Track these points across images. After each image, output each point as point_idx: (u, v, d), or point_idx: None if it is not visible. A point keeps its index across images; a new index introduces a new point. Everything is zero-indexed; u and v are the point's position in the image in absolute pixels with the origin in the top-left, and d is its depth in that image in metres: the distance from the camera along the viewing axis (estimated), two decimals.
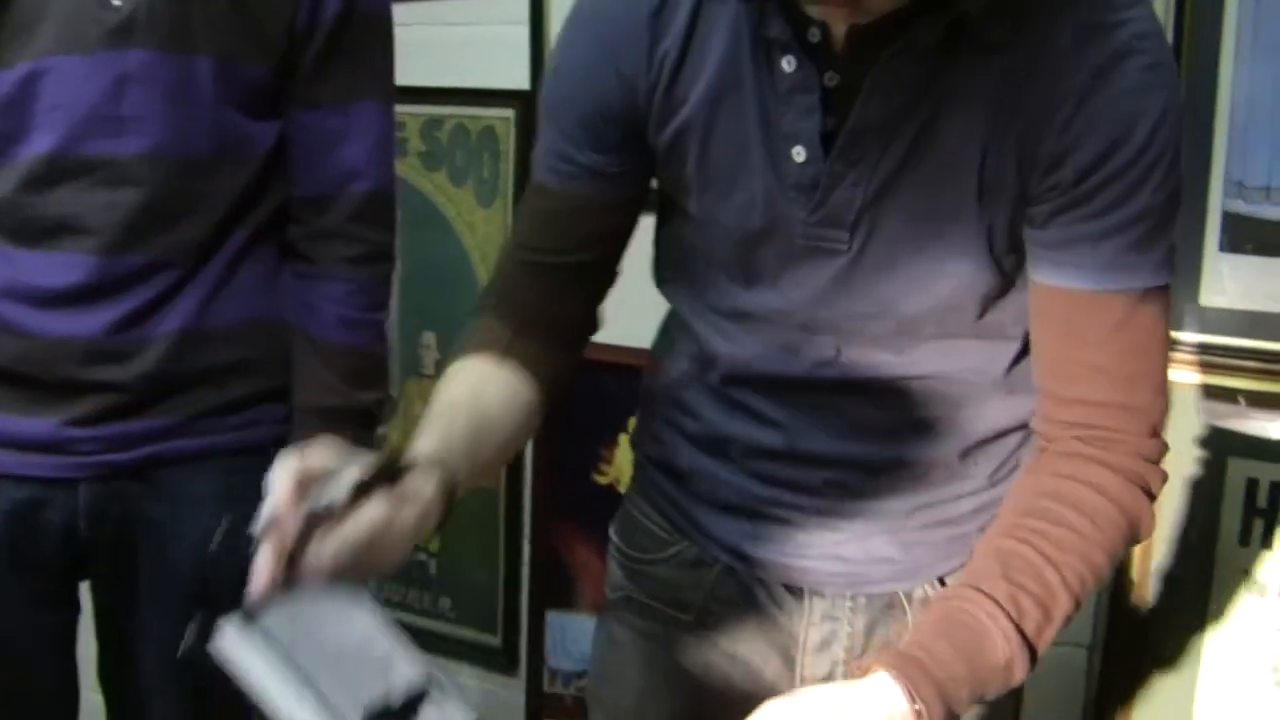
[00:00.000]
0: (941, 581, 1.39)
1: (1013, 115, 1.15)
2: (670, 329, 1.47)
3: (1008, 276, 1.24)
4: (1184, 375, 1.88)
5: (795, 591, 1.40)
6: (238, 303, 1.68)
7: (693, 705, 1.46)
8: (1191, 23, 1.85)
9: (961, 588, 1.16)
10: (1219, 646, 1.95)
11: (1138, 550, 1.94)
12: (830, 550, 1.38)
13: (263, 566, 1.05)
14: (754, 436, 1.37)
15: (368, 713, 1.04)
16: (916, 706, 1.06)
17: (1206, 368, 1.90)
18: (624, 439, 2.34)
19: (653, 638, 1.47)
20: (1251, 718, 1.93)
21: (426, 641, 2.65)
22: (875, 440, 1.35)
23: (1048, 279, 1.19)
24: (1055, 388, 1.23)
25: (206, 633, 1.03)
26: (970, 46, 1.13)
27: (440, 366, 1.38)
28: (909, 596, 1.39)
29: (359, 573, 1.08)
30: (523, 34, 2.36)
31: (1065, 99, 1.13)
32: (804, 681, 1.41)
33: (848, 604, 1.39)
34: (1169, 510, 1.90)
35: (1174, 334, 1.32)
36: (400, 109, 2.39)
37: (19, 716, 1.71)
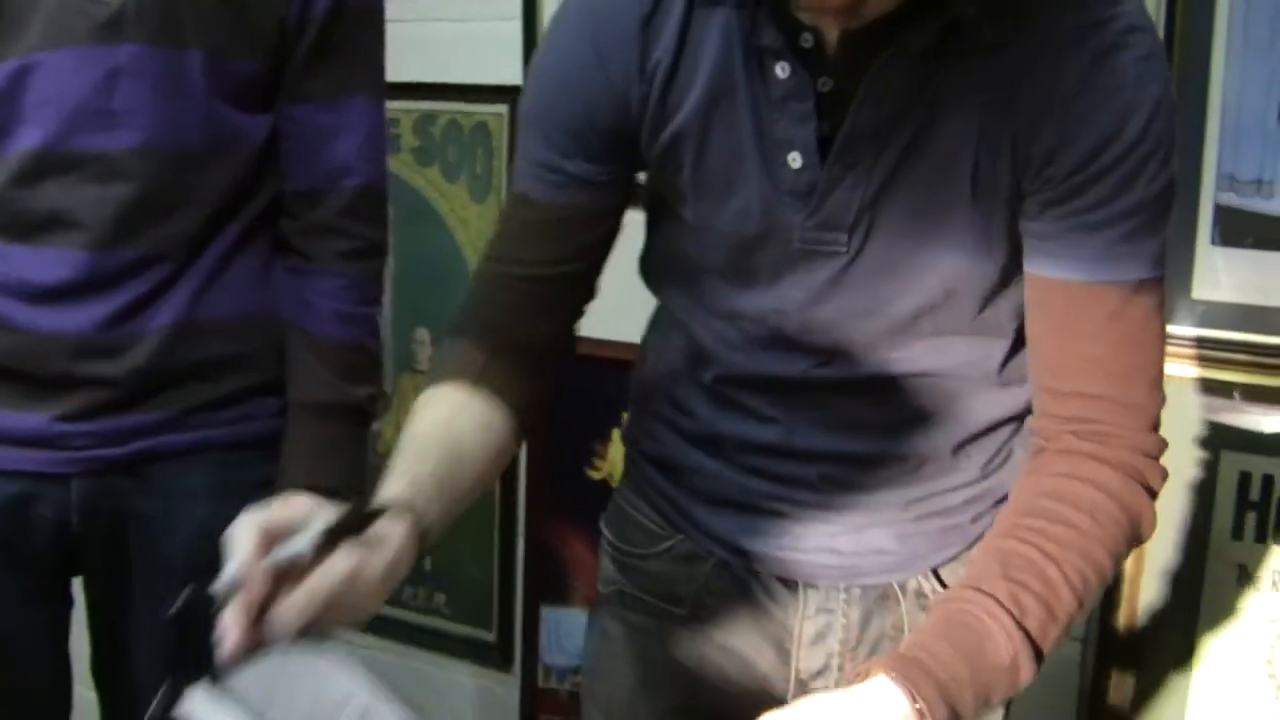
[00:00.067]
0: (936, 573, 1.39)
1: (1006, 114, 1.15)
2: (661, 325, 1.46)
3: (1003, 272, 1.24)
4: (1176, 369, 1.88)
5: (789, 584, 1.40)
6: (230, 297, 1.67)
7: (686, 699, 1.46)
8: (1183, 17, 1.85)
9: (961, 589, 1.14)
10: (1212, 639, 1.95)
11: None
12: (825, 543, 1.38)
13: (229, 627, 1.02)
14: (749, 433, 1.37)
15: None
16: (918, 706, 1.03)
17: (1199, 361, 1.91)
18: (617, 434, 2.34)
19: (646, 632, 1.47)
20: (1244, 710, 1.94)
21: (421, 638, 2.69)
22: (871, 436, 1.35)
23: (1043, 271, 1.19)
24: (1051, 383, 1.22)
25: (175, 697, 1.00)
26: (963, 49, 1.13)
27: (434, 362, 1.37)
28: (903, 588, 1.39)
29: (330, 625, 1.06)
30: (515, 30, 2.36)
31: (1058, 95, 1.13)
32: (799, 674, 1.41)
33: (842, 596, 1.39)
34: (1162, 503, 1.89)
35: (1166, 327, 1.32)
36: (393, 105, 2.39)
37: (12, 712, 1.70)
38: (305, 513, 1.07)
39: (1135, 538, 1.21)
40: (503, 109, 2.44)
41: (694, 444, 1.42)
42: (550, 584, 2.53)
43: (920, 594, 1.39)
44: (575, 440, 2.43)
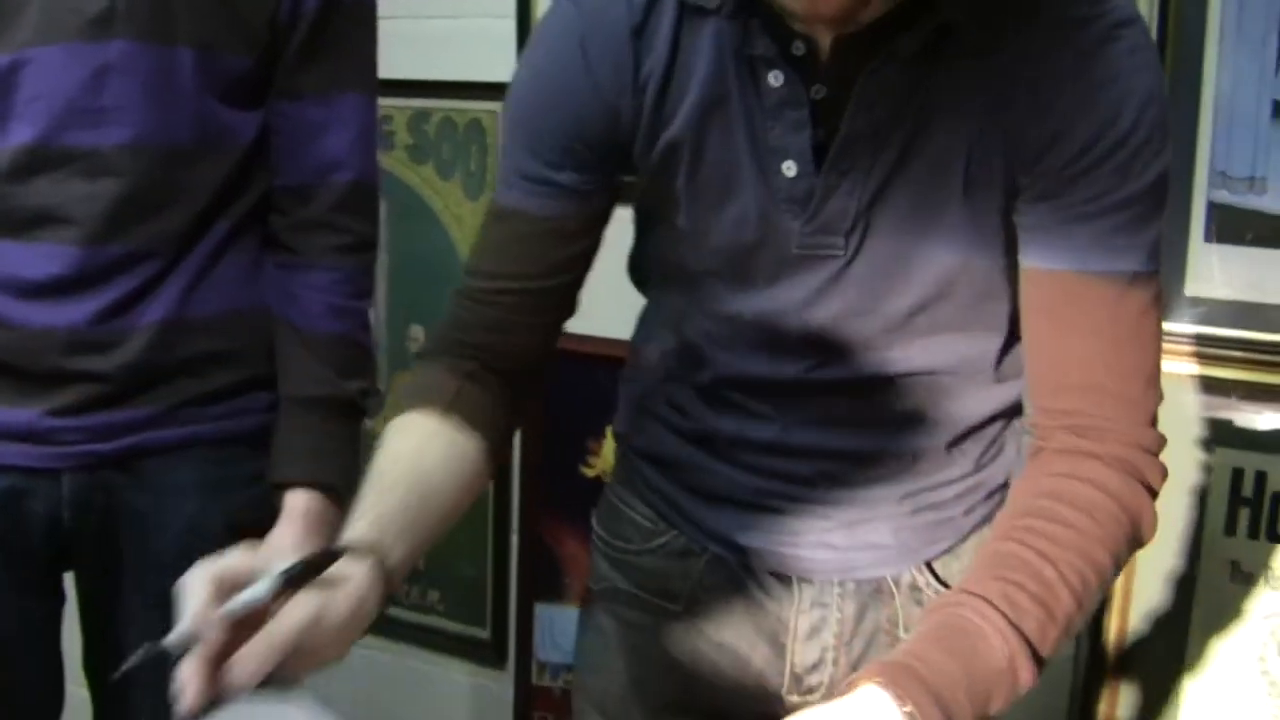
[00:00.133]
0: (929, 566, 1.39)
1: (998, 113, 1.15)
2: (652, 324, 1.46)
3: (999, 267, 1.24)
4: (1169, 365, 1.87)
5: (784, 579, 1.40)
6: (220, 293, 1.67)
7: (680, 694, 1.46)
8: (1176, 14, 1.86)
9: (954, 593, 1.12)
10: (1205, 636, 1.95)
11: None
12: (820, 538, 1.38)
13: (187, 681, 1.00)
14: (745, 432, 1.37)
15: None
16: (907, 710, 1.00)
17: (1191, 359, 1.91)
18: (611, 431, 2.34)
19: (640, 628, 1.47)
20: (1237, 706, 1.94)
21: (415, 635, 2.70)
22: (868, 433, 1.35)
23: (1037, 263, 1.19)
24: (1047, 378, 1.21)
25: None
26: (954, 51, 1.14)
27: (406, 388, 1.35)
28: (897, 582, 1.39)
29: (296, 671, 1.04)
30: (509, 27, 2.36)
31: (1049, 91, 1.14)
32: (794, 668, 1.41)
33: (836, 590, 1.39)
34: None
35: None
36: (387, 102, 2.39)
37: (4, 707, 1.70)
38: (261, 559, 1.05)
39: (1136, 538, 1.18)
40: (496, 106, 2.43)
41: (689, 441, 1.42)
42: (544, 581, 2.53)
43: (914, 587, 1.39)
44: (569, 437, 2.43)
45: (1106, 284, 1.16)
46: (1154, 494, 1.19)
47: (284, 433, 1.70)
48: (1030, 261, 1.20)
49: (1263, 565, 1.91)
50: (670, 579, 1.44)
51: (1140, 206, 1.15)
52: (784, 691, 1.42)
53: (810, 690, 1.41)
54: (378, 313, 2.58)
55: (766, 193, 1.22)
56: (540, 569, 2.53)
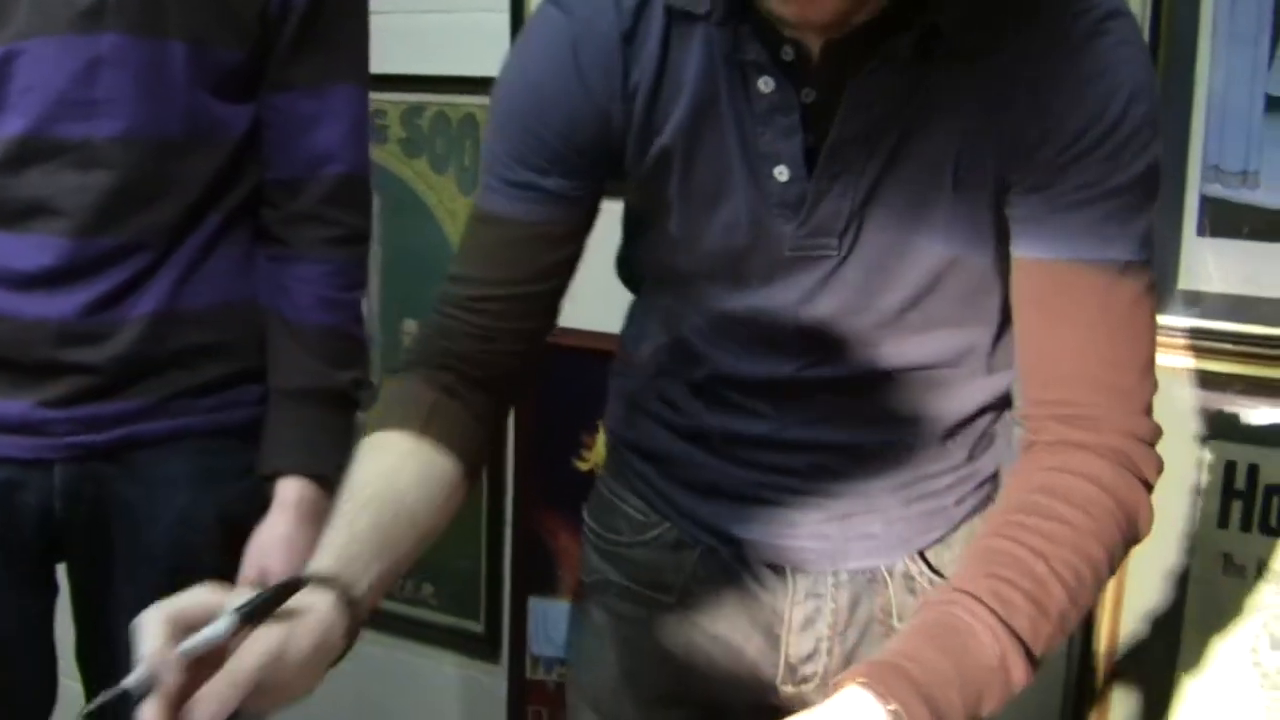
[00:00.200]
0: (922, 556, 1.40)
1: (988, 111, 1.16)
2: (642, 320, 1.45)
3: (990, 260, 1.24)
4: (1161, 359, 1.86)
5: (778, 570, 1.40)
6: (211, 286, 1.67)
7: (674, 686, 1.46)
8: (1169, 8, 1.86)
9: (945, 590, 1.11)
10: (1197, 628, 1.96)
11: None
12: (813, 529, 1.38)
13: None
14: (738, 428, 1.37)
15: None
16: (892, 708, 0.98)
17: (1184, 351, 1.91)
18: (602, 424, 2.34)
19: (633, 621, 1.47)
20: (1230, 699, 1.94)
21: (408, 629, 2.70)
22: (862, 427, 1.35)
23: (1028, 252, 1.19)
24: (1038, 369, 1.21)
25: None
26: (944, 52, 1.14)
27: (381, 402, 1.33)
28: (890, 571, 1.39)
29: (263, 708, 1.02)
30: (503, 21, 2.36)
31: (1038, 87, 1.14)
32: (789, 659, 1.41)
33: (830, 580, 1.39)
34: None
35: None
36: (381, 96, 2.40)
37: None
38: (218, 597, 1.03)
39: (1132, 533, 1.16)
40: (490, 101, 2.44)
41: (681, 436, 1.42)
42: (538, 575, 2.53)
43: (908, 576, 1.40)
44: (563, 431, 2.42)
45: (1097, 273, 1.16)
46: (1149, 487, 1.18)
47: (274, 424, 1.70)
48: (1021, 251, 1.20)
49: (1255, 558, 1.91)
50: (663, 571, 1.44)
51: (1130, 196, 1.15)
52: (778, 682, 1.42)
53: (804, 680, 1.42)
54: (371, 307, 2.58)
55: (758, 197, 1.22)
56: (534, 563, 2.53)
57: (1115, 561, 1.15)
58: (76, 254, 1.58)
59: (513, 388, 1.36)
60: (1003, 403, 1.39)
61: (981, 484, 1.41)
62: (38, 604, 1.73)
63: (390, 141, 2.55)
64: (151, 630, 0.99)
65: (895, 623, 1.39)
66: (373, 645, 2.67)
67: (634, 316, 1.49)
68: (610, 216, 1.37)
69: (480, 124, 2.46)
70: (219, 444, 1.70)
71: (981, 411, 1.37)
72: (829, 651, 1.40)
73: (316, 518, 1.59)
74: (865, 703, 0.99)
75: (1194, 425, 1.92)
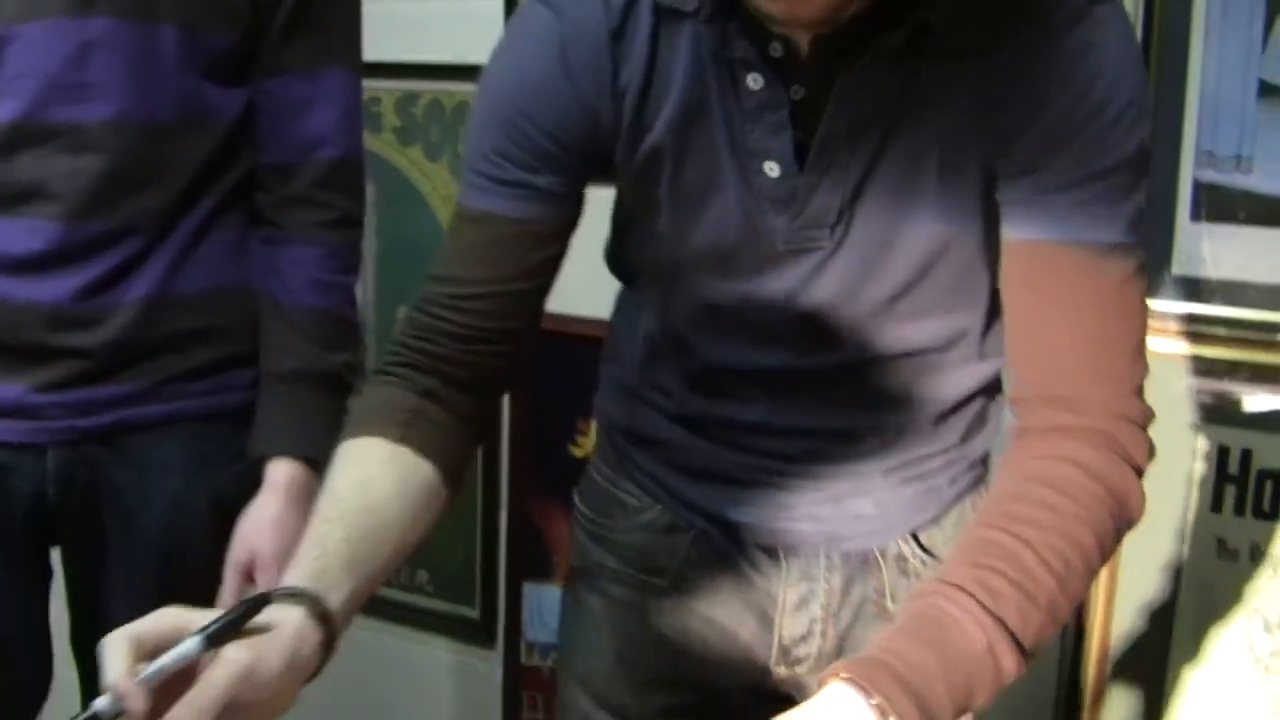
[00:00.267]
0: (915, 537, 1.40)
1: (976, 101, 1.15)
2: (633, 308, 1.45)
3: (979, 244, 1.24)
4: (1154, 343, 1.87)
5: (771, 552, 1.40)
6: (204, 270, 1.68)
7: (667, 669, 1.46)
8: None
9: (930, 583, 1.08)
10: (1190, 612, 1.96)
11: None
12: (807, 511, 1.38)
13: None
14: (731, 414, 1.37)
15: None
16: (875, 702, 0.97)
17: (1177, 336, 1.91)
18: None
19: (626, 604, 1.47)
20: (1223, 682, 1.95)
21: (403, 615, 2.70)
22: (855, 412, 1.35)
23: (1017, 234, 1.18)
24: (1027, 351, 1.20)
25: None
26: (934, 47, 1.13)
27: (358, 404, 1.31)
28: (883, 553, 1.40)
29: None
30: (497, 8, 2.36)
31: (1022, 75, 1.13)
32: (782, 640, 1.42)
33: (823, 562, 1.40)
34: None
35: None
36: (375, 84, 2.39)
37: None
38: (183, 618, 1.01)
39: (1124, 518, 1.15)
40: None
41: (674, 421, 1.42)
42: (533, 561, 2.53)
43: (901, 558, 1.40)
44: (557, 417, 2.43)
45: (1086, 253, 1.15)
46: (1140, 471, 1.16)
47: (265, 406, 1.70)
48: (1011, 234, 1.19)
49: (1249, 543, 1.91)
50: (656, 555, 1.44)
51: (1119, 178, 1.15)
52: (772, 664, 1.43)
53: (798, 662, 1.42)
54: (366, 295, 2.59)
55: (749, 193, 1.22)
56: (529, 548, 2.54)
57: (1107, 548, 1.13)
58: (68, 238, 1.58)
59: (497, 389, 1.35)
60: (995, 386, 1.39)
61: (973, 465, 1.42)
62: (32, 589, 1.73)
63: (385, 130, 2.55)
64: (115, 654, 0.98)
65: (889, 604, 1.40)
66: (367, 632, 2.67)
67: (623, 305, 1.49)
68: (604, 203, 1.36)
69: None
70: (212, 428, 1.71)
71: (974, 395, 1.37)
72: (822, 633, 1.41)
73: (307, 500, 1.58)
74: (849, 698, 0.98)
75: (1187, 410, 1.93)
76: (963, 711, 1.02)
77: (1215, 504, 1.93)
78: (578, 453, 2.41)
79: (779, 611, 1.41)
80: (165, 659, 0.98)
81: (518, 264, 1.27)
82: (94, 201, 1.58)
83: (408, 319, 1.31)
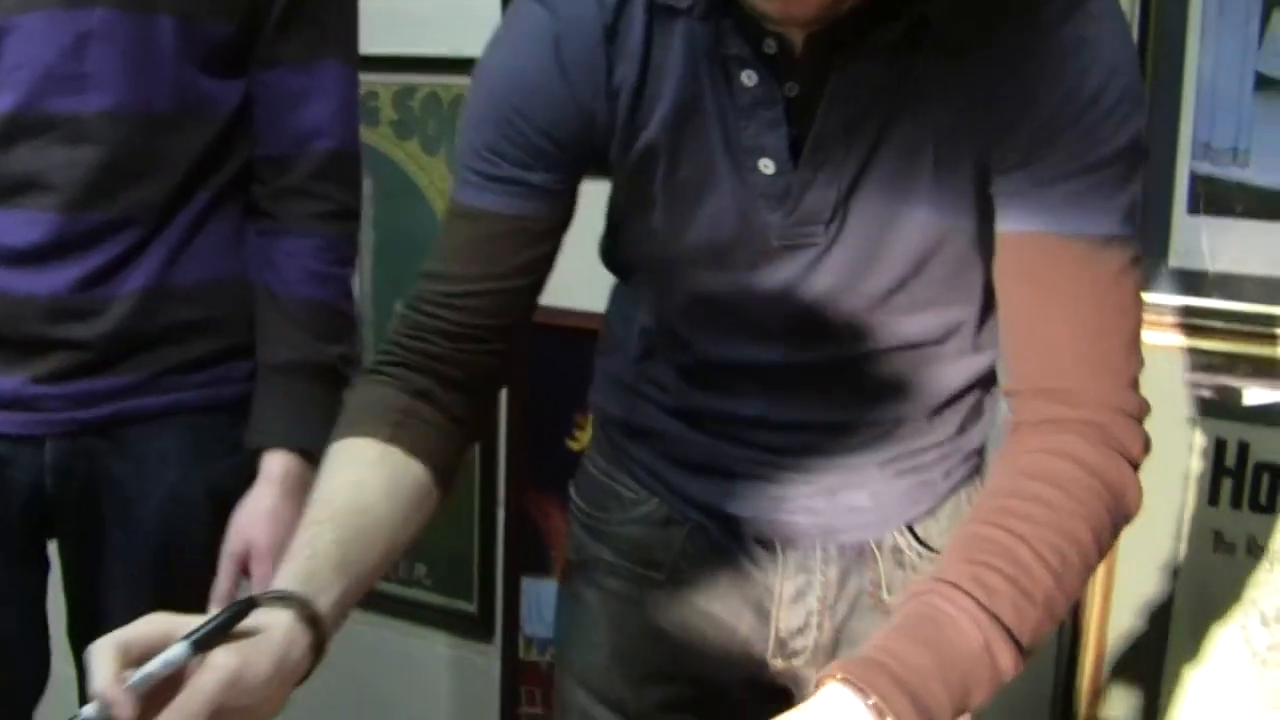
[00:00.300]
0: (911, 529, 1.40)
1: (969, 96, 1.15)
2: (627, 302, 1.45)
3: (973, 238, 1.24)
4: (1151, 336, 1.88)
5: (767, 545, 1.41)
6: (201, 262, 1.68)
7: (664, 663, 1.46)
8: None
9: (925, 581, 1.07)
10: (1187, 605, 1.96)
11: None
12: (802, 503, 1.38)
13: None
14: (728, 408, 1.37)
15: None
16: (872, 702, 0.96)
17: (1174, 329, 1.91)
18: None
19: (623, 598, 1.47)
20: (1220, 676, 1.95)
21: (401, 609, 2.70)
22: (851, 406, 1.35)
23: (1011, 226, 1.18)
24: (1022, 344, 1.19)
25: None
26: (928, 42, 1.13)
27: (349, 404, 1.31)
28: (879, 545, 1.40)
29: None
30: (494, 2, 2.35)
31: (1013, 69, 1.13)
32: (779, 633, 1.42)
33: (819, 555, 1.40)
34: None
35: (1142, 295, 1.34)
36: (372, 78, 2.39)
37: None
38: (169, 624, 1.01)
39: (1121, 512, 1.13)
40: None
41: (670, 414, 1.42)
42: (531, 555, 2.53)
43: (896, 550, 1.40)
44: (555, 411, 2.43)
45: (1081, 245, 1.15)
46: (1135, 465, 1.15)
47: (261, 398, 1.70)
48: (1005, 226, 1.19)
49: (1245, 536, 1.91)
50: (653, 548, 1.45)
51: (1113, 169, 1.15)
52: (768, 657, 1.43)
53: (794, 655, 1.42)
54: (363, 289, 2.59)
55: (743, 190, 1.22)
56: (527, 543, 2.54)
57: (1104, 543, 1.12)
58: (66, 229, 1.59)
59: (490, 388, 1.35)
60: (990, 379, 1.39)
61: (968, 457, 1.42)
62: (29, 581, 1.73)
63: (382, 123, 2.55)
64: (102, 661, 0.97)
65: (885, 595, 1.40)
66: (365, 626, 2.67)
67: (618, 299, 1.49)
68: (602, 196, 1.36)
69: None
70: (210, 420, 1.71)
71: (970, 387, 1.38)
72: (819, 626, 1.41)
73: (302, 491, 1.56)
74: (845, 699, 0.97)
75: (1184, 403, 1.93)
76: (961, 710, 1.02)
77: (1212, 498, 1.93)
78: (575, 447, 2.41)
79: (775, 604, 1.41)
80: (152, 665, 0.98)
81: (512, 261, 1.27)
82: (91, 193, 1.58)
83: (400, 317, 1.30)
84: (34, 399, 1.63)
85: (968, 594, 1.04)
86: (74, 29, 1.53)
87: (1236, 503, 1.91)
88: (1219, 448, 1.92)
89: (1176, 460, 1.93)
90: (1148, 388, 1.19)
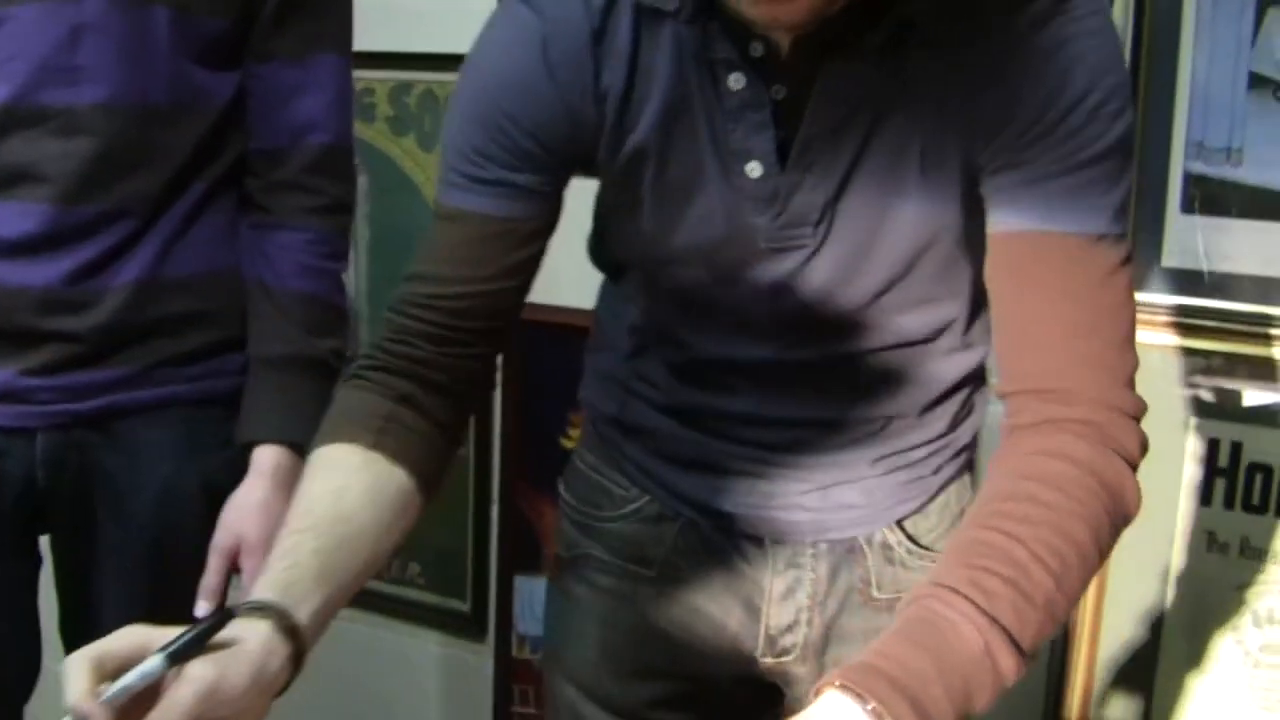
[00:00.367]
0: (901, 526, 1.40)
1: (955, 98, 1.15)
2: (617, 300, 1.45)
3: (959, 237, 1.24)
4: (1145, 336, 1.87)
5: (758, 542, 1.41)
6: (195, 254, 1.67)
7: (654, 659, 1.46)
8: None
9: (922, 586, 1.07)
10: (1180, 605, 1.96)
11: None
12: (793, 500, 1.38)
13: None
14: (718, 405, 1.38)
15: None
16: (870, 706, 0.95)
17: (1167, 329, 1.92)
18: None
19: (613, 594, 1.47)
20: (1212, 675, 1.95)
21: (394, 608, 2.69)
22: (842, 403, 1.35)
23: (1004, 225, 1.18)
24: (1015, 344, 1.19)
25: None
26: (913, 44, 1.14)
27: (331, 411, 1.31)
28: (869, 541, 1.40)
29: None
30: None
31: (999, 69, 1.13)
32: (769, 630, 1.42)
33: (810, 551, 1.40)
34: None
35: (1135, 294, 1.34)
36: (368, 74, 2.39)
37: None
38: (145, 637, 1.01)
39: (1120, 512, 1.12)
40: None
41: (660, 411, 1.42)
42: (524, 554, 2.53)
43: (886, 546, 1.40)
44: (549, 409, 2.43)
45: (1072, 244, 1.15)
46: (1133, 464, 1.15)
47: (253, 392, 1.70)
48: (997, 226, 1.18)
49: (1238, 536, 1.92)
50: (643, 545, 1.45)
51: (1103, 167, 1.14)
52: (758, 654, 1.43)
53: (784, 652, 1.42)
54: (359, 285, 2.58)
55: (731, 193, 1.22)
56: (520, 541, 2.53)
57: (1104, 543, 1.11)
58: (60, 221, 1.58)
59: (473, 393, 1.33)
60: (981, 375, 1.40)
61: (959, 453, 1.42)
62: (21, 575, 1.73)
63: (378, 120, 2.55)
64: (77, 675, 0.97)
65: (874, 592, 1.40)
66: (358, 625, 2.67)
67: (608, 297, 1.49)
68: (587, 193, 1.36)
69: None
70: (203, 413, 1.70)
71: (960, 384, 1.38)
72: (809, 622, 1.41)
73: (293, 486, 1.55)
74: (843, 705, 0.96)
75: (1177, 403, 1.93)
76: (963, 715, 1.00)
77: (1205, 498, 1.93)
78: (569, 445, 2.41)
79: (765, 601, 1.41)
80: (127, 678, 0.98)
81: (498, 262, 1.26)
82: (85, 184, 1.58)
83: (385, 321, 1.30)
84: (26, 391, 1.62)
85: (966, 598, 1.03)
86: (68, 20, 1.53)
87: (1230, 503, 1.91)
88: (1212, 448, 1.92)
89: (1169, 461, 1.93)
90: (1140, 388, 1.18)
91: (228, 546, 1.63)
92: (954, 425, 1.40)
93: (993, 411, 1.31)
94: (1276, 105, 1.82)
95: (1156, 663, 1.99)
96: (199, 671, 1.00)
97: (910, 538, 1.40)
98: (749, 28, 1.14)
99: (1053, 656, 2.06)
